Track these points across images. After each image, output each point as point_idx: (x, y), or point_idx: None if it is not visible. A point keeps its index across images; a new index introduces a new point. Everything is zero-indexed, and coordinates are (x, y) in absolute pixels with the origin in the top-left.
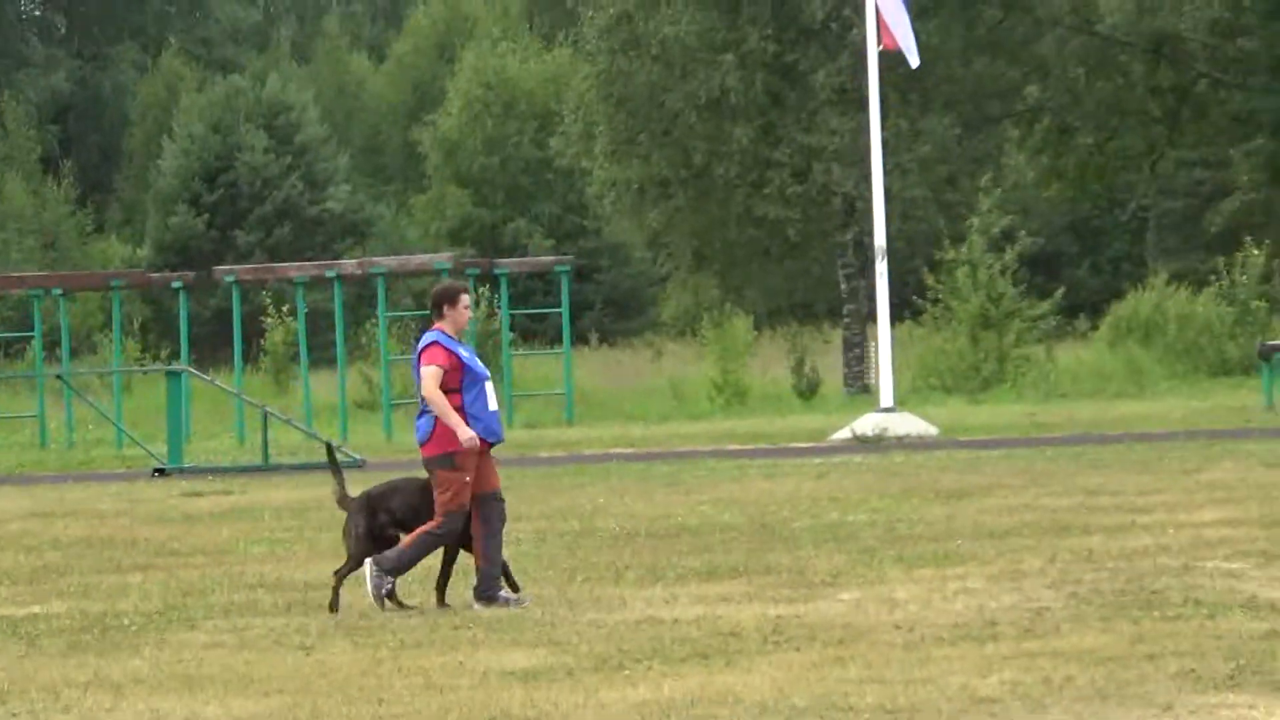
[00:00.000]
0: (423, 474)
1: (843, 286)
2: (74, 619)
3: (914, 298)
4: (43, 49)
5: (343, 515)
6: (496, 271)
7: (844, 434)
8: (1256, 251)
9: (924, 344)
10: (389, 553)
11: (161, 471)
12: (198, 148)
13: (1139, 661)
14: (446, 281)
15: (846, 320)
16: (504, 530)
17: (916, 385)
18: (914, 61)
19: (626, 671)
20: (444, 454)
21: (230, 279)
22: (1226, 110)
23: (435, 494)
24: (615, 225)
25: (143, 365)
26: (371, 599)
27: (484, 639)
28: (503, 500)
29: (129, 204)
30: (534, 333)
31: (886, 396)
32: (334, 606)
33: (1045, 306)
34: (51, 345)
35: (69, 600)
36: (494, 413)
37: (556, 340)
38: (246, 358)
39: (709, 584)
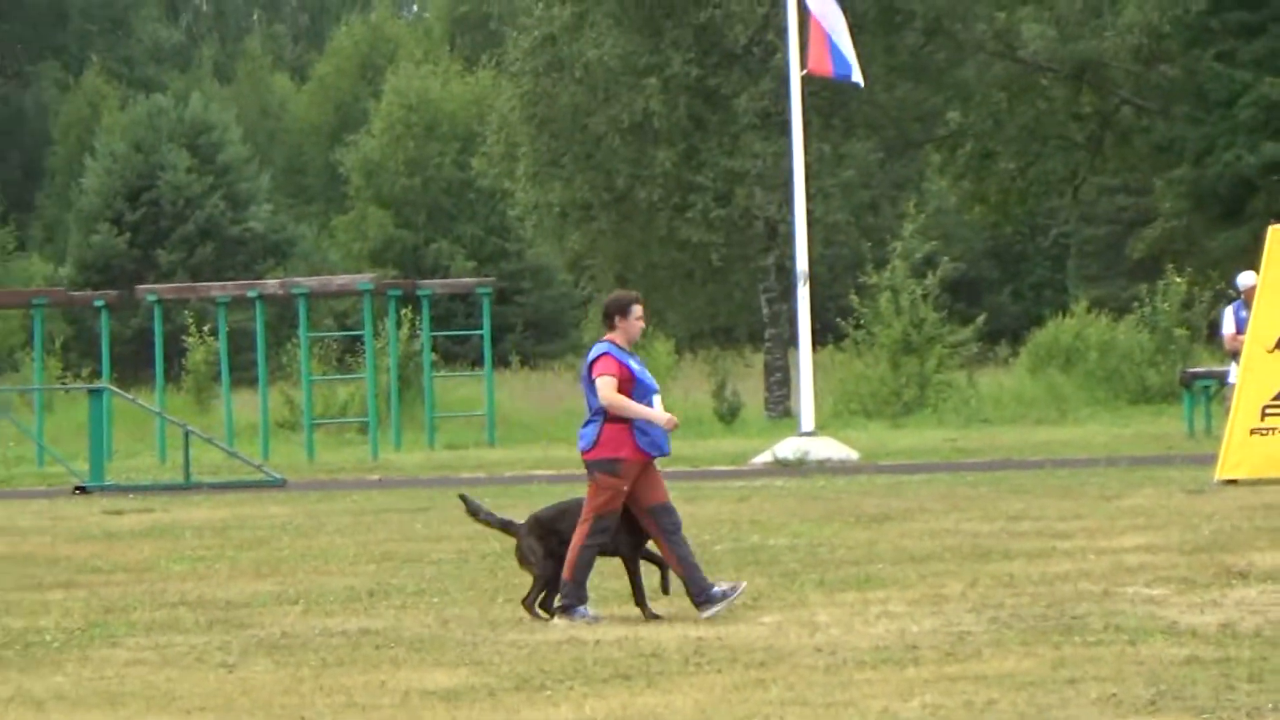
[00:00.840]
0: (583, 493)
1: (764, 311)
2: None
3: (838, 320)
4: None
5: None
6: (419, 293)
7: (765, 458)
8: (1178, 279)
9: (846, 369)
10: (564, 594)
11: (83, 489)
12: (120, 166)
13: (1060, 686)
14: (619, 292)
15: (768, 344)
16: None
17: (838, 410)
18: (859, 80)
19: (548, 692)
20: (609, 459)
21: (152, 298)
22: (1149, 138)
23: (588, 498)
24: (537, 247)
25: (64, 383)
26: (591, 623)
27: (406, 658)
28: (673, 510)
29: (51, 222)
30: (455, 355)
31: (808, 421)
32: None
33: (967, 332)
34: None
35: None
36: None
37: (478, 362)
38: (168, 376)
39: (631, 606)
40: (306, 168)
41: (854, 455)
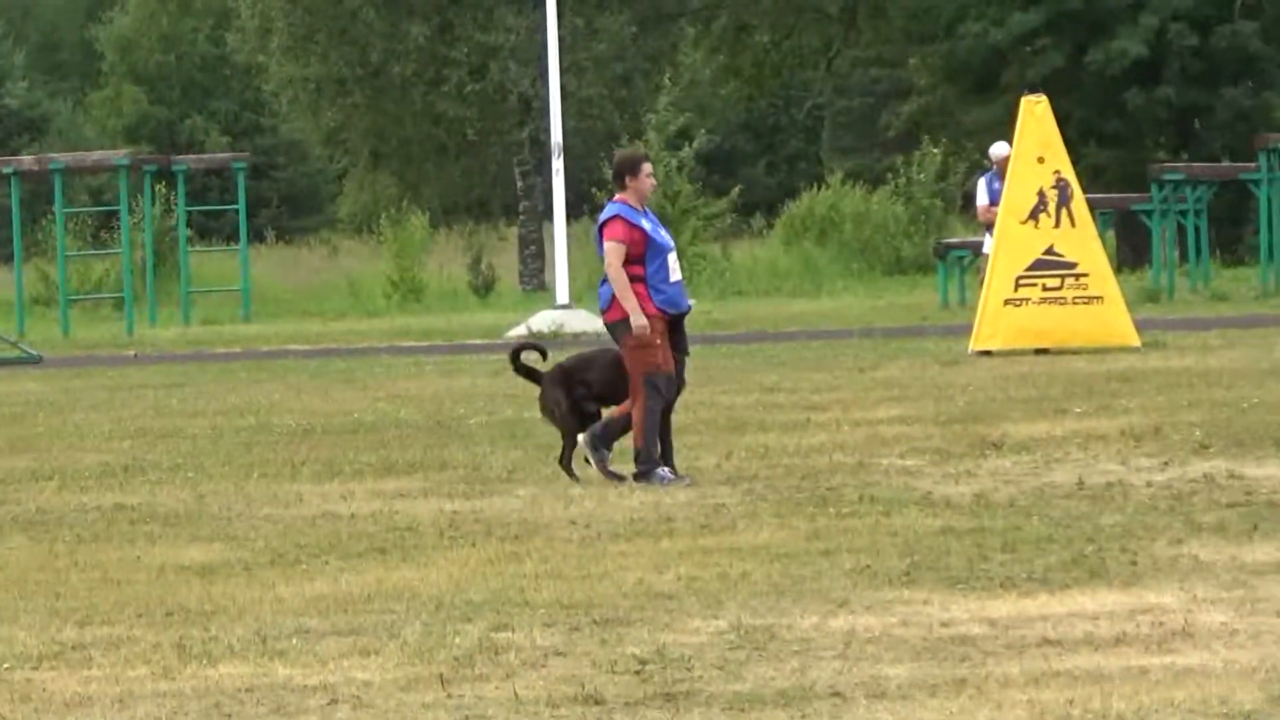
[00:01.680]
0: (611, 346)
1: (519, 184)
2: None
3: (591, 194)
4: None
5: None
6: (174, 169)
7: (520, 330)
8: (934, 150)
9: None
10: (639, 460)
11: None
12: None
13: (815, 558)
14: (628, 150)
15: (523, 218)
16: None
17: (593, 282)
18: None
19: (304, 566)
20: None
21: None
22: (903, 9)
23: (630, 364)
24: (292, 123)
25: None
26: (600, 470)
27: (161, 534)
28: (675, 379)
29: None
30: (211, 230)
31: (562, 294)
32: (580, 475)
33: (721, 205)
34: None
35: None
36: (677, 284)
37: (233, 237)
38: None
39: (386, 480)
40: (61, 44)
41: None
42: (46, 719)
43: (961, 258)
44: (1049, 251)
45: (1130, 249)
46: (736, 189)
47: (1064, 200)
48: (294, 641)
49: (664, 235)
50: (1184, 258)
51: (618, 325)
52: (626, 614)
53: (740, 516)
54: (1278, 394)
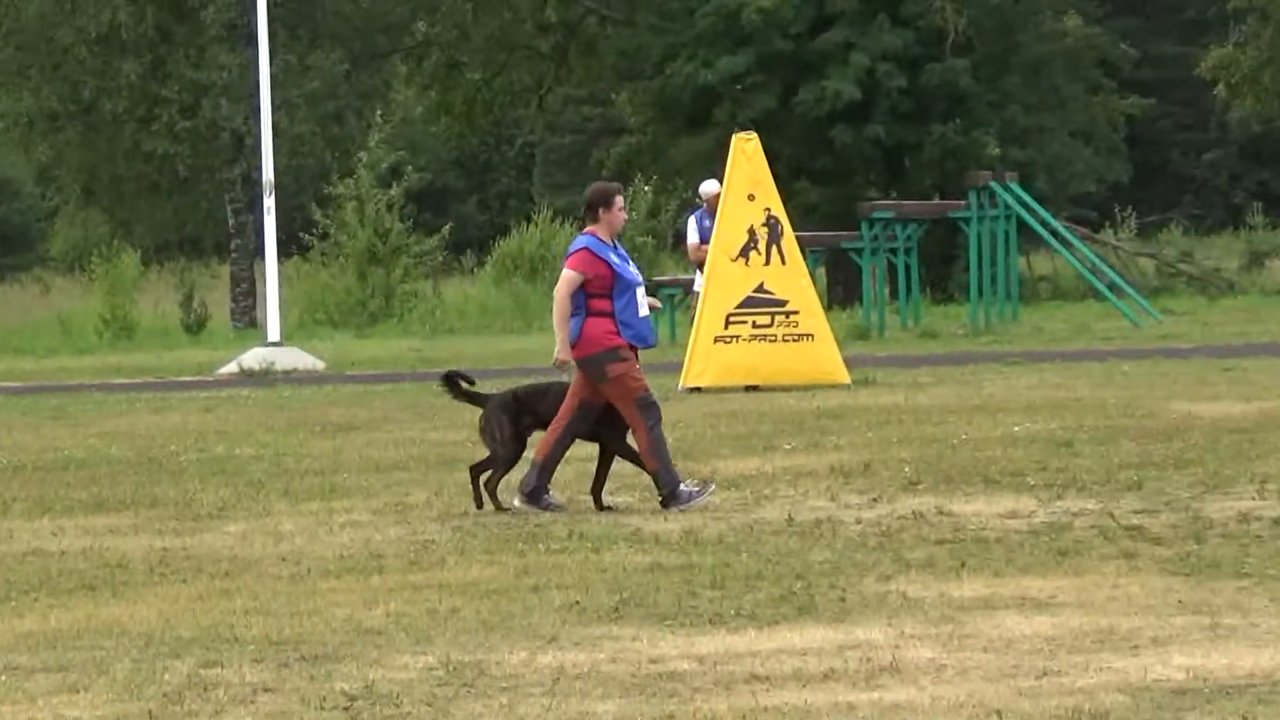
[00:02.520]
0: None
1: (230, 222)
2: None
3: (301, 234)
4: None
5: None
6: None
7: (231, 368)
8: (646, 188)
9: (311, 279)
10: (661, 483)
11: None
12: None
13: (524, 594)
14: (601, 183)
15: (234, 255)
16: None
17: (304, 320)
18: None
19: (13, 603)
20: (610, 349)
21: None
22: (614, 47)
23: (611, 394)
24: (4, 158)
25: None
26: (554, 508)
27: None
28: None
29: None
30: None
31: (274, 331)
32: (481, 504)
33: (432, 242)
34: None
35: None
36: (645, 319)
37: None
38: None
39: (96, 516)
40: None
41: (320, 365)
42: None
43: (672, 295)
44: (759, 289)
45: (841, 286)
46: (447, 226)
47: (775, 238)
48: (2, 678)
49: (632, 271)
50: (894, 295)
51: (591, 361)
52: (336, 650)
53: (450, 553)
54: (986, 431)
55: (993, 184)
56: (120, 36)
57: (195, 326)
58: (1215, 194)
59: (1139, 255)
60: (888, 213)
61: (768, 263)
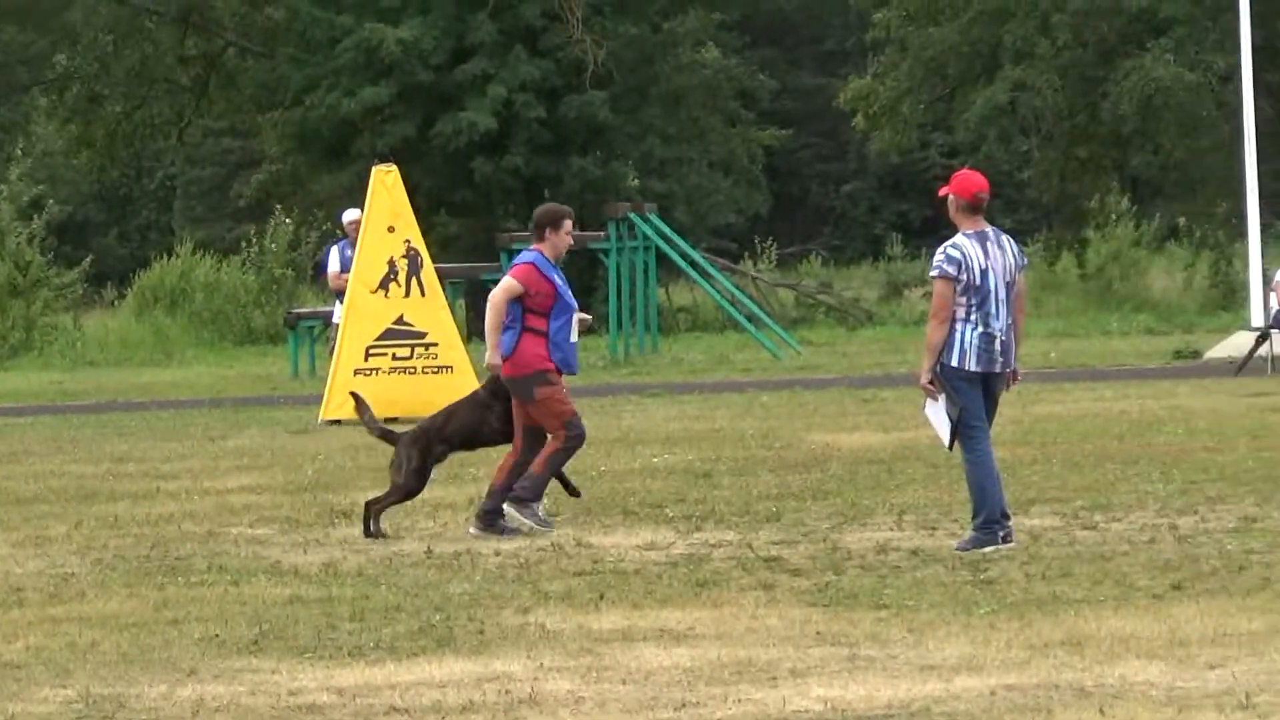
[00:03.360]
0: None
1: None
2: None
3: None
4: None
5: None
6: None
7: None
8: (287, 220)
9: None
10: (523, 484)
11: None
12: None
13: (164, 627)
14: (551, 205)
15: None
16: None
17: None
18: None
19: None
20: (537, 373)
21: None
22: (254, 78)
23: (538, 415)
24: None
25: None
26: (535, 529)
27: None
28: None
29: None
30: None
31: None
32: (372, 533)
33: (73, 275)
34: None
35: None
36: (573, 345)
37: None
38: None
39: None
40: None
41: None
42: None
43: (312, 327)
44: (399, 321)
45: (481, 318)
46: (88, 259)
47: (414, 269)
48: None
49: (570, 296)
50: None
51: (522, 382)
52: None
53: (90, 586)
54: (625, 462)
55: (632, 215)
56: None
57: None
58: (854, 225)
59: (778, 286)
60: (527, 244)
61: (407, 295)
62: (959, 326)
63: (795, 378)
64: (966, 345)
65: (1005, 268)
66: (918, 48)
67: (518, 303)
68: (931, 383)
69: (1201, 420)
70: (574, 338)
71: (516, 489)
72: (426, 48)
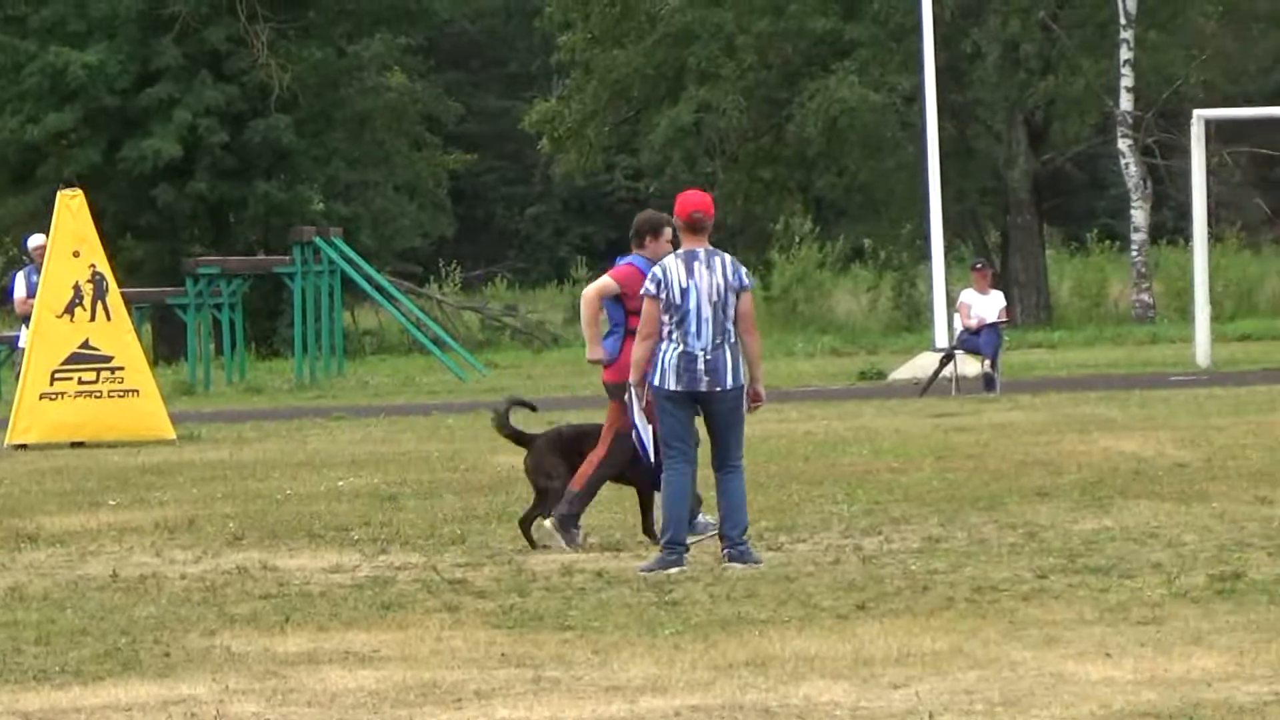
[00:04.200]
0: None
1: None
2: None
3: None
4: None
5: None
6: None
7: None
8: None
9: None
10: (566, 504)
11: None
12: None
13: None
14: (651, 211)
15: None
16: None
17: None
18: None
19: None
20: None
21: None
22: None
23: (610, 414)
24: None
25: None
26: (569, 549)
27: None
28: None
29: None
30: None
31: None
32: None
33: None
34: None
35: None
36: None
37: None
38: None
39: None
40: None
41: None
42: None
43: None
44: (85, 345)
45: (166, 342)
46: None
47: (100, 294)
48: None
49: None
50: (220, 350)
51: (614, 387)
52: None
53: None
54: (311, 486)
55: (317, 239)
56: None
57: None
58: (539, 248)
59: (464, 309)
60: (213, 268)
61: (93, 319)
62: (661, 345)
63: (481, 400)
64: (666, 364)
65: (712, 287)
66: (603, 70)
67: (619, 306)
68: (636, 397)
69: (886, 441)
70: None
71: (562, 514)
72: (112, 72)
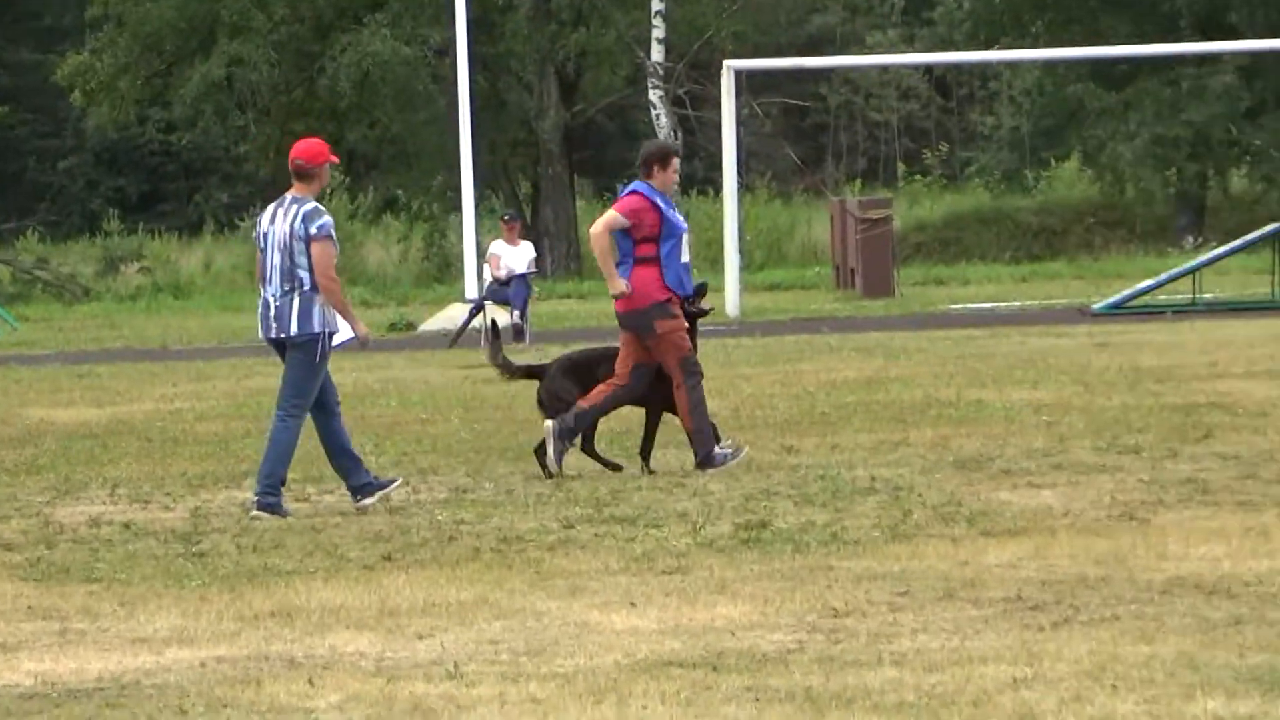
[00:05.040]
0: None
1: None
2: None
3: None
4: None
5: None
6: None
7: None
8: None
9: None
10: (699, 444)
11: None
12: None
13: None
14: (659, 141)
15: None
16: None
17: None
18: None
19: None
20: (658, 304)
21: None
22: None
23: (657, 350)
24: None
25: None
26: (553, 460)
27: None
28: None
29: None
30: None
31: None
32: (552, 474)
33: None
34: None
35: None
36: (685, 264)
37: None
38: None
39: None
40: None
41: None
42: None
43: None
44: None
45: None
46: None
47: None
48: None
49: (678, 218)
50: None
51: (637, 314)
52: None
53: None
54: None
55: None
56: None
57: None
58: (72, 200)
59: None
60: None
61: None
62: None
63: (11, 354)
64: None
65: (280, 235)
66: (135, 23)
67: (626, 237)
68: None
69: (415, 392)
70: (685, 258)
71: (698, 455)
72: None
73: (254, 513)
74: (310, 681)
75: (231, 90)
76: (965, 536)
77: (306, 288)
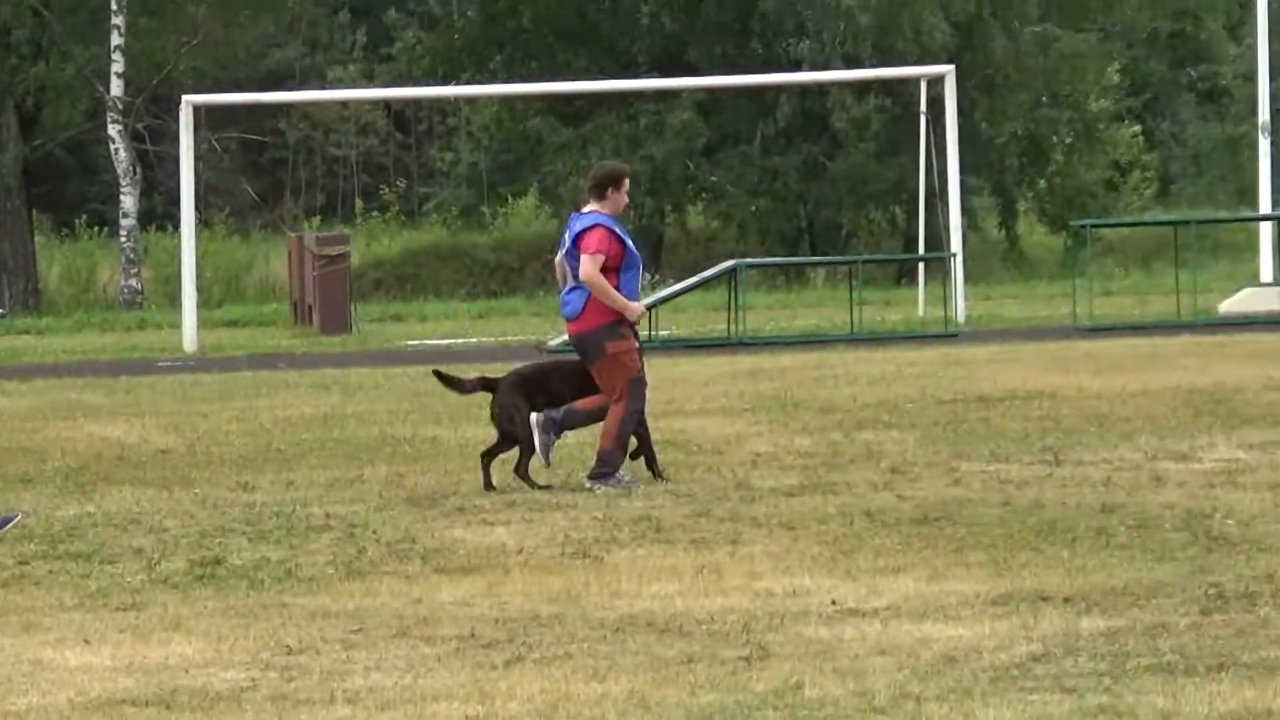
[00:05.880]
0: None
1: None
2: None
3: None
4: None
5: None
6: None
7: None
8: None
9: None
10: (604, 461)
11: None
12: None
13: None
14: (611, 163)
15: None
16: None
17: None
18: None
19: None
20: (608, 324)
21: None
22: None
23: (605, 372)
24: None
25: None
26: (539, 451)
27: None
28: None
29: None
30: None
31: None
32: (491, 486)
33: None
34: None
35: None
36: (638, 296)
37: None
38: None
39: None
40: None
41: None
42: None
43: None
44: None
45: None
46: None
47: None
48: None
49: (635, 248)
50: None
51: (588, 336)
52: None
53: None
54: None
55: None
56: None
57: None
58: None
59: None
60: None
61: None
62: None
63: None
64: None
65: None
66: None
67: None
68: None
69: None
70: (638, 288)
71: (597, 468)
72: None
73: None
74: None
75: None
76: (419, 574)
77: None
